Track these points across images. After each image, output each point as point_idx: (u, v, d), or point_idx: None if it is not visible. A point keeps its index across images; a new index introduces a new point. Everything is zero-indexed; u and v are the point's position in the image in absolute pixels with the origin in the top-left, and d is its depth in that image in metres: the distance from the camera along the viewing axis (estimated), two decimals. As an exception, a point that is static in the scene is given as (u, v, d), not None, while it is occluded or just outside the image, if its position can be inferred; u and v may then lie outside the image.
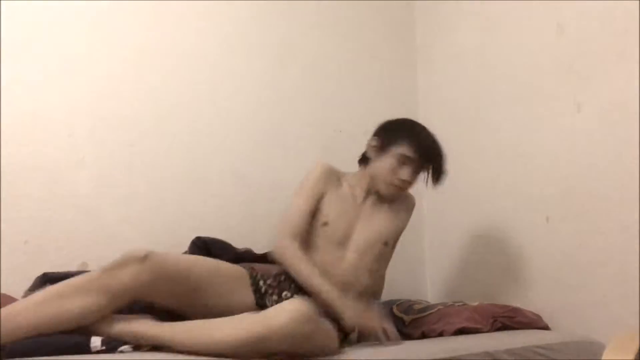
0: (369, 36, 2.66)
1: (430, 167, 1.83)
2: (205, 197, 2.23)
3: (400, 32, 2.73)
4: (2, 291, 1.73)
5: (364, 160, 1.94)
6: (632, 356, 1.24)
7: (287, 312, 1.36)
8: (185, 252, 1.88)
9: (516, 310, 1.90)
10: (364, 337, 1.69)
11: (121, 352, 1.42)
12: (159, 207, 2.14)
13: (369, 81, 2.63)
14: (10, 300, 1.58)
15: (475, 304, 1.94)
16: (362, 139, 2.55)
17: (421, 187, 2.57)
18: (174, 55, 2.25)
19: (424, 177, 1.87)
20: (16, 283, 1.75)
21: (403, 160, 1.81)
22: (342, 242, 1.80)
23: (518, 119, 2.17)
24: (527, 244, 2.09)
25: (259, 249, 2.02)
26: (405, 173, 1.81)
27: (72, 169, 2.03)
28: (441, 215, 2.52)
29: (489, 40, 2.33)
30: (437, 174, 1.82)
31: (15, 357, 1.31)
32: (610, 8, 1.84)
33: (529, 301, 2.03)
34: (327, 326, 1.48)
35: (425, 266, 2.58)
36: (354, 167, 2.56)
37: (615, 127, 1.81)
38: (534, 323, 1.87)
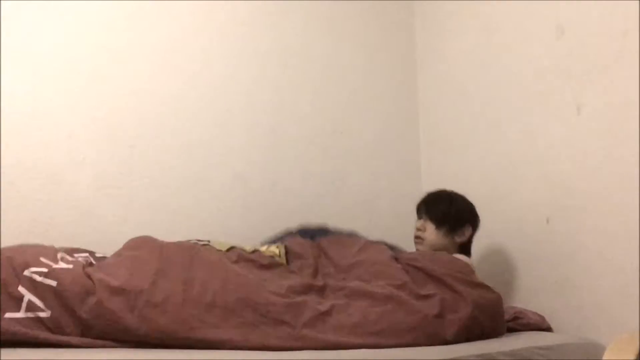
0: (368, 37, 2.65)
1: (430, 214, 2.04)
2: (206, 197, 2.23)
3: (400, 32, 2.73)
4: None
5: None
6: (633, 357, 1.24)
7: None
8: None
9: (521, 312, 1.90)
10: None
11: None
12: (159, 208, 2.14)
13: (368, 82, 2.63)
14: None
15: None
16: (361, 139, 2.57)
17: (421, 184, 2.57)
18: (174, 56, 2.26)
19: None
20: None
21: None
22: None
23: (518, 120, 2.17)
24: (527, 246, 2.09)
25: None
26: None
27: (72, 169, 2.03)
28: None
29: (488, 41, 2.33)
30: (431, 214, 2.04)
31: None
32: (610, 9, 1.84)
33: (529, 302, 2.03)
34: None
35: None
36: (353, 168, 2.57)
37: (616, 129, 1.81)
38: (538, 324, 1.88)
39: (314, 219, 2.38)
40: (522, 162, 2.14)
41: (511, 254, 2.15)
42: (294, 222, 2.26)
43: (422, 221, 2.05)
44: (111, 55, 2.14)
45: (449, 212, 2.02)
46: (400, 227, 2.53)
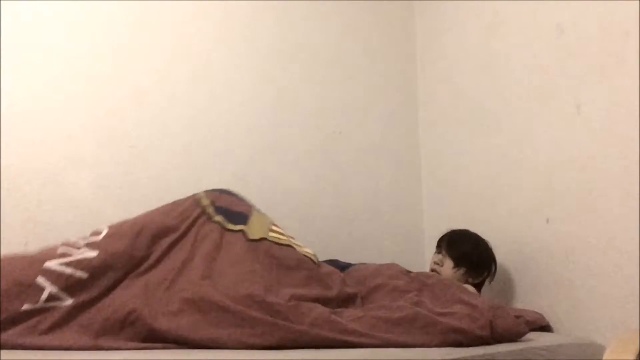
0: (368, 36, 2.66)
1: (448, 252, 2.06)
2: (205, 197, 2.23)
3: (400, 32, 2.73)
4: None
5: None
6: (633, 357, 1.24)
7: None
8: None
9: (520, 312, 1.89)
10: None
11: None
12: (159, 208, 2.14)
13: (369, 82, 2.63)
14: None
15: None
16: (361, 140, 2.57)
17: (421, 184, 2.58)
18: (175, 56, 2.26)
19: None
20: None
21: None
22: None
23: (518, 119, 2.17)
24: (527, 246, 2.09)
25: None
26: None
27: (72, 170, 2.04)
28: (441, 216, 2.52)
29: (488, 41, 2.33)
30: (453, 252, 2.05)
31: None
32: (610, 9, 1.84)
33: (529, 303, 2.03)
34: None
35: (425, 267, 2.58)
36: (353, 168, 2.57)
37: (616, 129, 1.81)
38: (538, 323, 1.88)
39: (313, 219, 2.39)
40: (522, 162, 2.14)
41: (511, 254, 2.15)
42: (294, 222, 2.26)
43: (440, 256, 2.08)
44: (111, 55, 2.14)
45: (471, 255, 2.04)
46: (400, 228, 2.53)
